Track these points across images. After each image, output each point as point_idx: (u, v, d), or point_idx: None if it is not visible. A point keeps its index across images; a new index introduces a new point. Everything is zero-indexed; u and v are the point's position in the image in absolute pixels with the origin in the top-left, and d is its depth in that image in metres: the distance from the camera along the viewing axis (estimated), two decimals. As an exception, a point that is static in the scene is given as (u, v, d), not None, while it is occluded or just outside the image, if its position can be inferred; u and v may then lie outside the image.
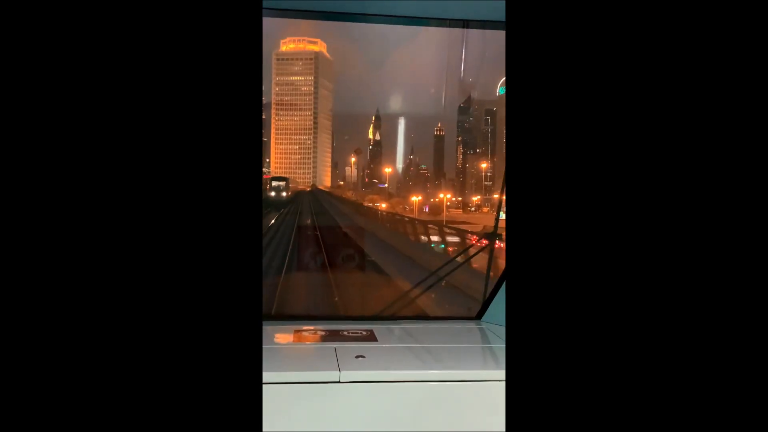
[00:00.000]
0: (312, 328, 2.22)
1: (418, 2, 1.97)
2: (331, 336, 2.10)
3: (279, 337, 2.15)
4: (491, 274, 2.54)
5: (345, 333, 2.13)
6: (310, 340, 2.09)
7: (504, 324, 2.22)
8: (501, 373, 1.74)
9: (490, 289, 2.42)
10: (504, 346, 1.99)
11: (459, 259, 3.37)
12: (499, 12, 1.93)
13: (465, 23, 2.12)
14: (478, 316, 2.44)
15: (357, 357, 1.84)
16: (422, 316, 2.75)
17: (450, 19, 2.06)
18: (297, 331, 2.17)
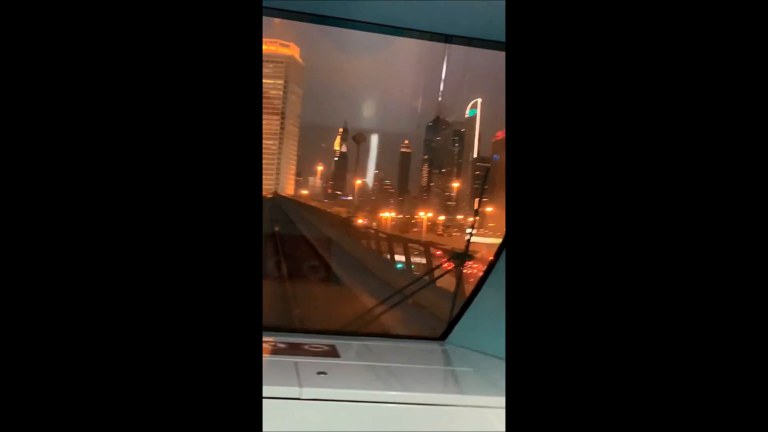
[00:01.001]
0: (271, 339, 2.06)
1: (423, 13, 1.80)
2: (292, 349, 1.96)
3: None
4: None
5: (306, 347, 2.00)
6: (268, 353, 1.94)
7: (468, 347, 2.26)
8: (462, 398, 1.76)
9: (456, 311, 2.36)
10: (466, 370, 2.07)
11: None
12: (489, 30, 1.85)
13: (468, 41, 1.91)
14: (442, 337, 2.36)
15: (318, 373, 1.73)
16: (384, 334, 2.64)
17: (456, 36, 1.87)
18: None
